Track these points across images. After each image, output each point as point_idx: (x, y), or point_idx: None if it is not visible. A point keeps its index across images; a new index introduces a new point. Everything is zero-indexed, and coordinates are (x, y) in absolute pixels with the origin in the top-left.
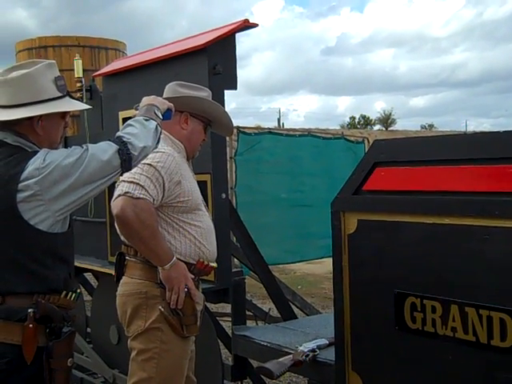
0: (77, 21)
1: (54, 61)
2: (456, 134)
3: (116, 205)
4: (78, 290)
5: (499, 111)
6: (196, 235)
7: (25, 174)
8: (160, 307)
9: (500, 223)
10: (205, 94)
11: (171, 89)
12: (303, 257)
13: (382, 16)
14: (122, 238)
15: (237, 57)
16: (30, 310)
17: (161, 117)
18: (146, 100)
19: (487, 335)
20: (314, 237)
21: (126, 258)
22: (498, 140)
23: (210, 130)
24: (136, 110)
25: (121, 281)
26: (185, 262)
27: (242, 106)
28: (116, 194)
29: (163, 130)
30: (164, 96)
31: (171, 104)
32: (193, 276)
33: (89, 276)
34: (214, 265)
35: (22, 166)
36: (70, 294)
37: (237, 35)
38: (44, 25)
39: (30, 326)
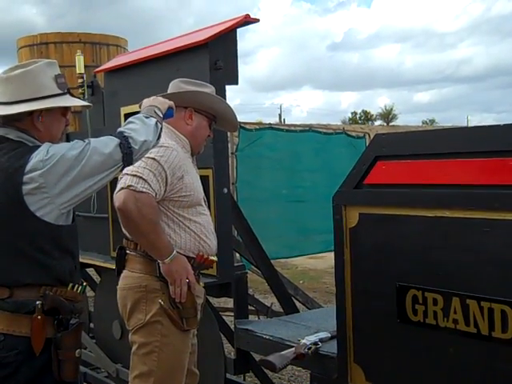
0: (85, 17)
1: (55, 60)
2: (457, 128)
3: (118, 198)
4: (84, 283)
5: (503, 106)
6: (196, 230)
7: (29, 166)
8: (160, 300)
9: (500, 216)
10: (208, 90)
11: (175, 85)
12: (303, 252)
13: (390, 11)
14: (124, 231)
15: (239, 52)
16: (38, 302)
17: (161, 115)
18: (146, 102)
19: (488, 327)
20: (314, 232)
21: (127, 252)
22: (499, 133)
23: (214, 127)
24: None
25: (121, 275)
26: (185, 256)
27: (246, 103)
28: (119, 186)
29: (168, 125)
30: (168, 92)
31: (171, 102)
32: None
33: (91, 272)
34: (214, 258)
35: (25, 159)
36: (77, 286)
37: (243, 32)
38: (52, 21)
39: (39, 317)
